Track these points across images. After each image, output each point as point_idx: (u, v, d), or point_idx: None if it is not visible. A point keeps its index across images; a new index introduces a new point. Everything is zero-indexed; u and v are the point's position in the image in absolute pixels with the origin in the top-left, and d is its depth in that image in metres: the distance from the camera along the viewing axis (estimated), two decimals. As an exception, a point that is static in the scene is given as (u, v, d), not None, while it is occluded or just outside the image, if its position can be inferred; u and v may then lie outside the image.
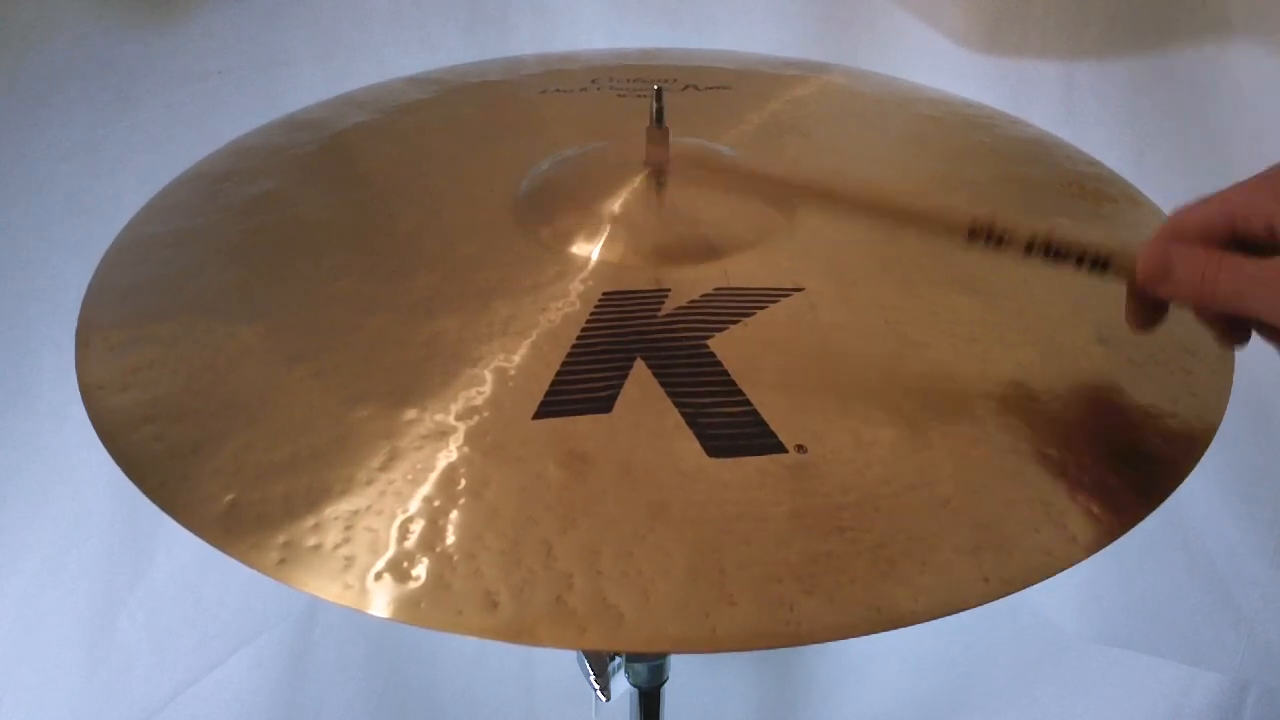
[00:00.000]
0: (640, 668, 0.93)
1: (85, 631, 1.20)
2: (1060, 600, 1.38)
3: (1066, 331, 0.73)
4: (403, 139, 0.96)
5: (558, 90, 1.04)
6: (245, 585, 1.27)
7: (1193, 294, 0.62)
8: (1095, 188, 0.91)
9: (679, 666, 0.95)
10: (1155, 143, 1.15)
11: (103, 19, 1.04)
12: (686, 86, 1.03)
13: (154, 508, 0.61)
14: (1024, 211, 0.85)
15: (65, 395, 1.03)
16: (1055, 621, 1.38)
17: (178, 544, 1.21)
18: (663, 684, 0.95)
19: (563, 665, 0.90)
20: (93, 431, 0.66)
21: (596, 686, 0.91)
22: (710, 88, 1.03)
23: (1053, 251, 0.65)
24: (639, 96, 0.99)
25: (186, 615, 1.27)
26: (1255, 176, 0.63)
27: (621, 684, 0.93)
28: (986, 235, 0.66)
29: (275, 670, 1.39)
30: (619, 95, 1.02)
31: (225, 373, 0.68)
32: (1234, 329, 0.64)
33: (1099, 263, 0.65)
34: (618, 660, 0.90)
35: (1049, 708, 1.45)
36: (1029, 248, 0.65)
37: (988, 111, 1.03)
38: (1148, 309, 0.66)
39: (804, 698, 1.57)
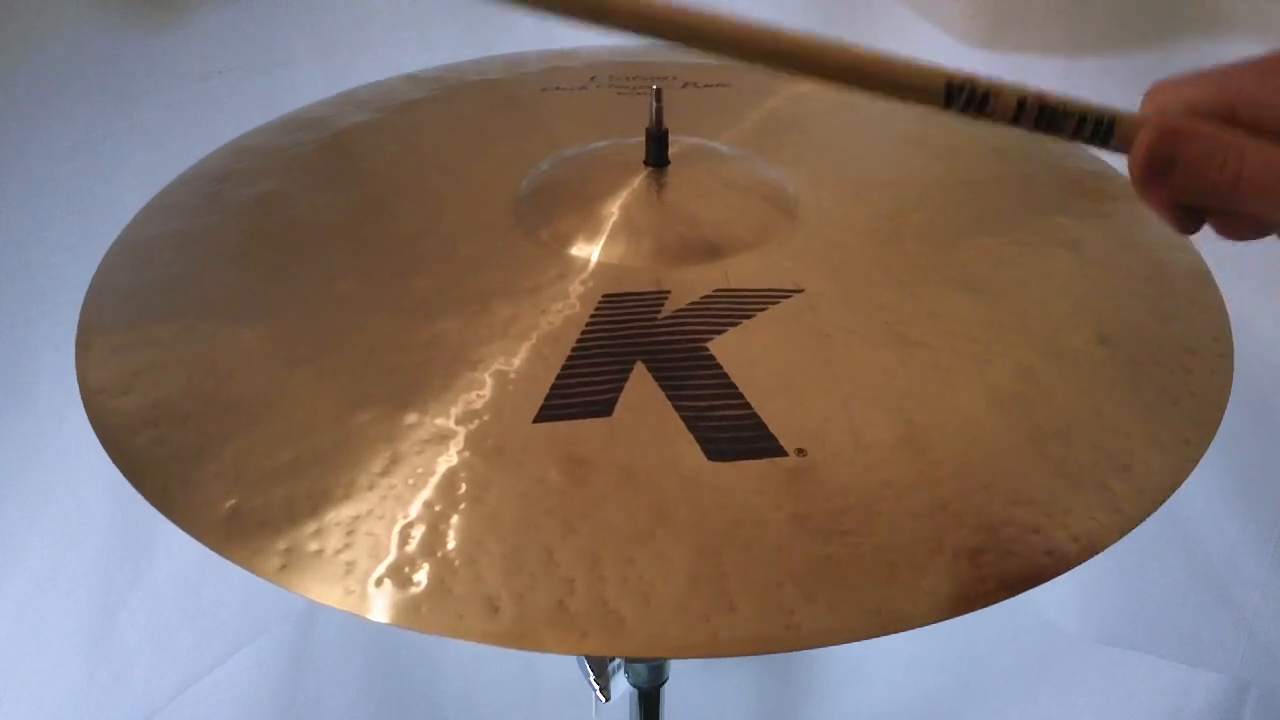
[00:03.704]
0: (640, 668, 0.93)
1: (85, 631, 1.20)
2: (1060, 600, 1.38)
3: (1066, 331, 0.73)
4: (403, 138, 0.96)
5: (558, 88, 1.04)
6: (245, 586, 1.26)
7: (1206, 184, 0.50)
8: (1096, 185, 0.90)
9: (679, 667, 0.95)
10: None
11: (103, 19, 1.04)
12: (686, 84, 1.03)
13: (154, 508, 0.61)
14: (1025, 209, 0.86)
15: (65, 396, 1.03)
16: (1055, 621, 1.38)
17: (177, 544, 1.19)
18: (662, 684, 0.95)
19: (563, 666, 0.90)
20: (92, 432, 0.66)
21: (596, 687, 0.91)
22: (709, 85, 1.03)
23: (1046, 115, 0.54)
24: (638, 94, 0.99)
25: (186, 615, 1.27)
26: (1262, 58, 0.51)
27: (621, 684, 0.93)
28: (967, 99, 0.55)
29: (275, 670, 1.39)
30: (619, 93, 1.02)
31: (226, 376, 0.68)
32: (1189, 216, 0.54)
33: (1100, 129, 0.55)
34: (617, 661, 0.90)
35: (1049, 708, 1.45)
36: (1019, 113, 0.55)
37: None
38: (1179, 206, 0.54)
39: (804, 698, 1.57)
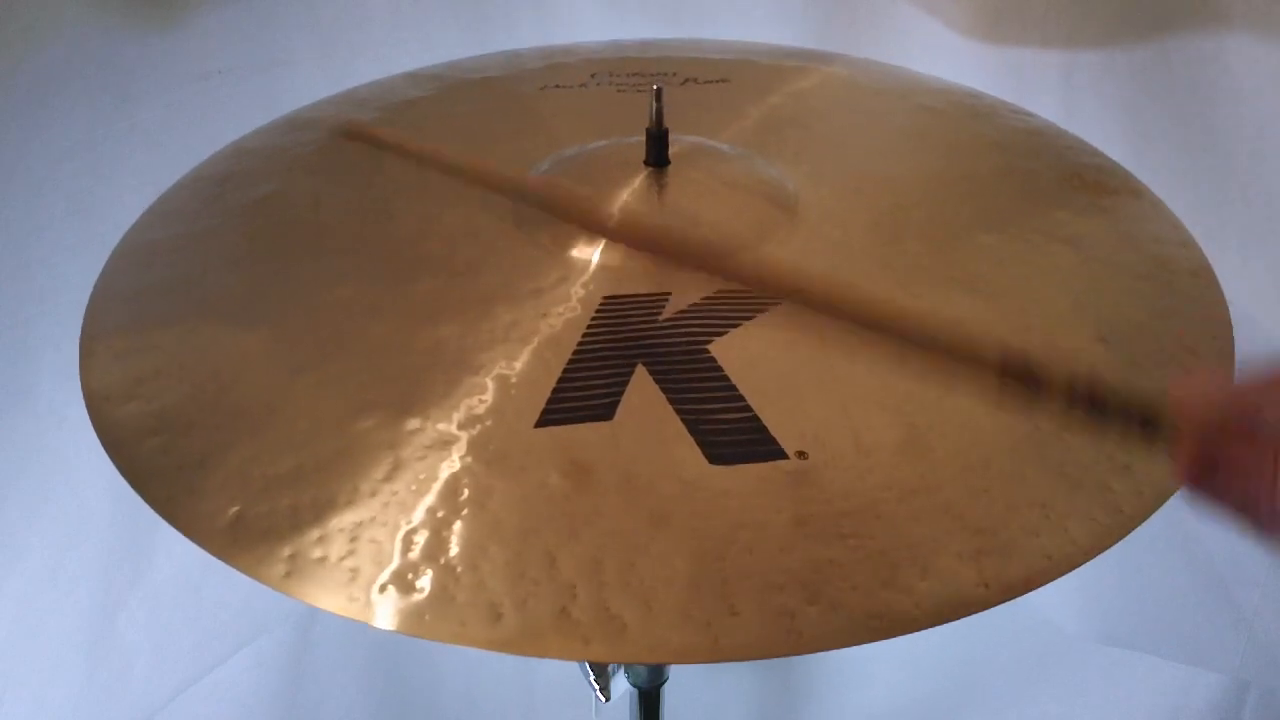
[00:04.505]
0: (640, 668, 0.93)
1: (85, 631, 1.20)
2: (1060, 600, 1.38)
3: (1066, 331, 0.73)
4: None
5: (557, 86, 1.04)
6: (245, 586, 1.25)
7: (1250, 492, 0.49)
8: (1096, 179, 0.90)
9: (679, 667, 0.95)
10: (1155, 136, 1.15)
11: (103, 19, 1.04)
12: (686, 80, 1.02)
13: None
14: (1025, 204, 0.86)
15: (65, 396, 1.04)
16: (1055, 621, 1.38)
17: (178, 544, 1.19)
18: (662, 684, 0.95)
19: (562, 666, 0.90)
20: (92, 432, 0.66)
21: (596, 687, 0.91)
22: (710, 81, 1.03)
23: (1095, 402, 0.54)
24: (638, 91, 0.99)
25: (186, 615, 1.27)
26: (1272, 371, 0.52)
27: (621, 684, 0.93)
28: (1019, 374, 0.57)
29: (275, 670, 1.39)
30: (619, 90, 1.01)
31: (230, 383, 0.68)
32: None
33: (1148, 423, 0.54)
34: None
35: (1049, 708, 1.45)
36: (1070, 395, 0.55)
37: (989, 102, 1.03)
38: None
39: (804, 698, 1.57)
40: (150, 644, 1.25)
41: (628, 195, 0.80)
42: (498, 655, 0.53)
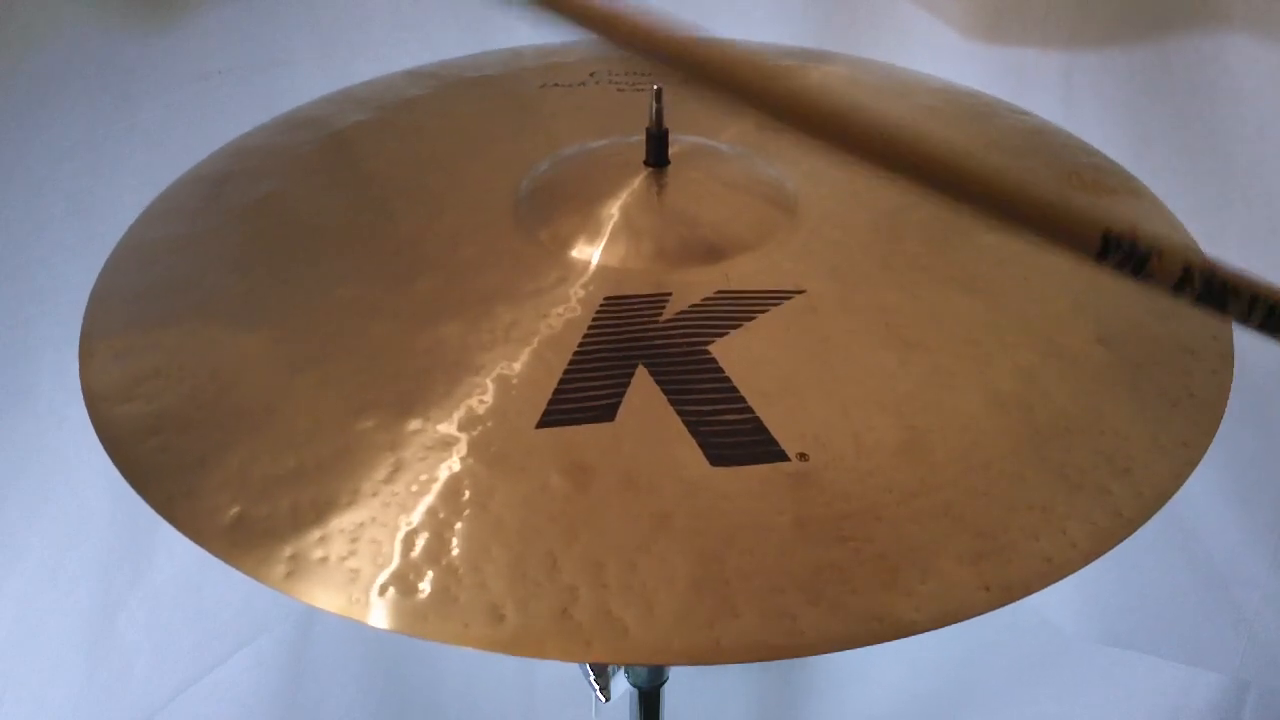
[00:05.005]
0: (640, 669, 0.93)
1: (85, 631, 1.19)
2: (1060, 600, 1.38)
3: (1066, 331, 0.73)
4: (402, 137, 0.96)
5: (556, 85, 1.04)
6: (245, 586, 1.26)
7: None
8: (1095, 179, 0.90)
9: (679, 667, 0.95)
10: (1155, 135, 1.15)
11: (102, 19, 1.04)
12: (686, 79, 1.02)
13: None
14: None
15: (65, 396, 1.03)
16: (1055, 622, 1.38)
17: (178, 544, 1.19)
18: (662, 684, 0.95)
19: (562, 666, 0.90)
20: (92, 432, 0.66)
21: (596, 687, 0.91)
22: (710, 79, 1.03)
23: (1214, 290, 0.50)
24: (638, 90, 0.99)
25: (186, 615, 1.27)
26: None
27: (621, 684, 0.93)
28: (1125, 252, 0.49)
29: (275, 670, 1.39)
30: (618, 89, 1.01)
31: (230, 383, 0.68)
32: None
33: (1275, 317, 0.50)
34: (618, 660, 0.91)
35: (1049, 708, 1.45)
36: (1183, 281, 0.50)
37: (988, 101, 1.02)
38: None
39: (804, 698, 1.57)
40: (150, 644, 1.25)
41: (627, 195, 0.80)
42: (498, 655, 0.53)
